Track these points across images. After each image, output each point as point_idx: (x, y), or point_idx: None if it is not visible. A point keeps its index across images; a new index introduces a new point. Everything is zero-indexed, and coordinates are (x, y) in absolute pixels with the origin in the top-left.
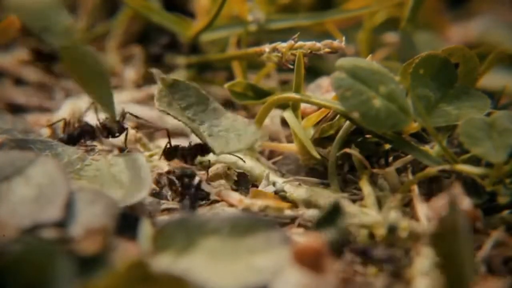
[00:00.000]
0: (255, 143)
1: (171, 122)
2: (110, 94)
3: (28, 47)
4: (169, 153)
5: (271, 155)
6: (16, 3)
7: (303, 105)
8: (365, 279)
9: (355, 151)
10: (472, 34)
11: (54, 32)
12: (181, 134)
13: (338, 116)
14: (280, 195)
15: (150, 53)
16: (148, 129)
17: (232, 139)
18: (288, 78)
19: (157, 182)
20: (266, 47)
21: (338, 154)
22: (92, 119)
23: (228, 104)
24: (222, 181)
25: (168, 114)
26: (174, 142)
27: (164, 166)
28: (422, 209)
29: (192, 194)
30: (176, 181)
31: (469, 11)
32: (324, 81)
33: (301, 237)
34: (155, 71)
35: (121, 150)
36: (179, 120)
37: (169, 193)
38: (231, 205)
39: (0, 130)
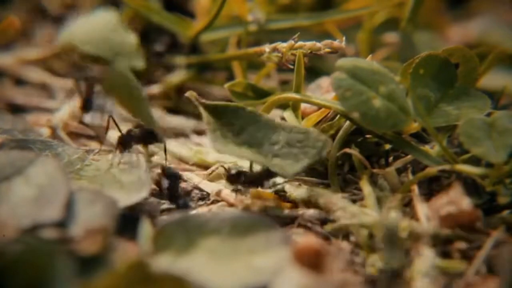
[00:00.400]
0: (323, 151)
1: (173, 122)
2: (150, 112)
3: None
4: (233, 178)
5: None
6: (82, 37)
7: (303, 105)
8: (365, 279)
9: (355, 151)
10: (472, 34)
11: (124, 55)
12: (182, 134)
13: (338, 116)
14: (280, 195)
15: (152, 52)
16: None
17: (298, 154)
18: (288, 78)
19: (157, 182)
20: (266, 47)
21: (338, 154)
22: (92, 119)
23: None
24: (222, 181)
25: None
26: (175, 142)
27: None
28: (422, 209)
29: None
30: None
31: (469, 11)
32: (324, 81)
33: (301, 237)
34: (190, 94)
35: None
36: (241, 157)
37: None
38: (231, 205)
39: (0, 130)
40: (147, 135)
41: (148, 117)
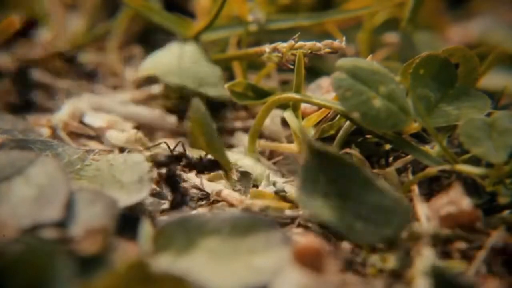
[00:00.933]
0: (404, 226)
1: (173, 122)
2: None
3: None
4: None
5: (271, 155)
6: (164, 68)
7: (303, 105)
8: (365, 279)
9: (356, 151)
10: (472, 34)
11: (208, 85)
12: (182, 133)
13: (338, 116)
14: (280, 195)
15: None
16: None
17: (379, 223)
18: (288, 78)
19: (157, 182)
20: (267, 47)
21: None
22: (92, 119)
23: (229, 105)
24: (223, 181)
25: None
26: (175, 141)
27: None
28: (422, 209)
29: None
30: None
31: (469, 11)
32: (325, 81)
33: (301, 237)
34: (309, 139)
35: (121, 150)
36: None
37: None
38: (231, 205)
39: (0, 130)
40: (212, 164)
41: (221, 153)
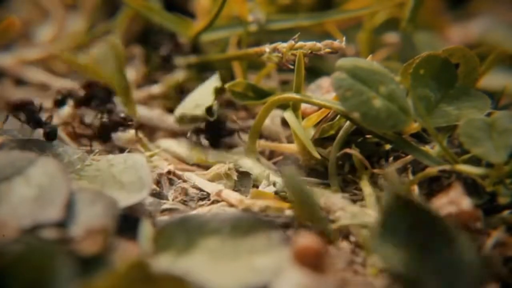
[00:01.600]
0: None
1: (171, 121)
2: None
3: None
4: None
5: (271, 155)
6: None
7: (303, 105)
8: (365, 279)
9: (356, 151)
10: (472, 34)
11: (201, 106)
12: (182, 134)
13: (338, 116)
14: (280, 195)
15: (159, 56)
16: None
17: (450, 280)
18: (289, 78)
19: (157, 182)
20: (267, 47)
21: (338, 154)
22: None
23: (229, 105)
24: (223, 181)
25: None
26: (174, 141)
27: (164, 166)
28: None
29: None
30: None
31: (469, 11)
32: (325, 82)
33: (301, 237)
34: (391, 172)
35: (121, 150)
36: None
37: (170, 192)
38: (232, 205)
39: (0, 130)
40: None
41: (320, 219)
